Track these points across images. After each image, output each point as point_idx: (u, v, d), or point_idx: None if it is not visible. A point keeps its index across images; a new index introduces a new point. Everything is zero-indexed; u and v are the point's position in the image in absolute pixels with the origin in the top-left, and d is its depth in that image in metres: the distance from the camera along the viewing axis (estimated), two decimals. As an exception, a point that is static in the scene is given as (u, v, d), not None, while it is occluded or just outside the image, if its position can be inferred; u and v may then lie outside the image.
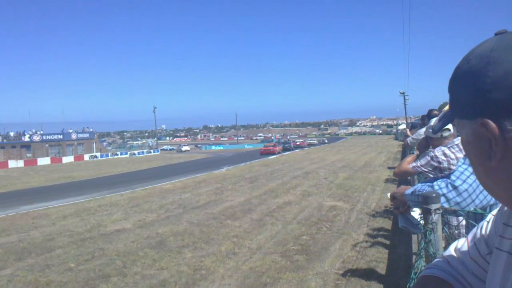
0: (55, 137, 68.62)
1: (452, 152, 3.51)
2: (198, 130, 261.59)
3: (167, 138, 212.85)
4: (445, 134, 3.67)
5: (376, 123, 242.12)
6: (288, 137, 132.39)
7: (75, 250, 9.27)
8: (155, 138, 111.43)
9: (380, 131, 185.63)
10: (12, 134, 67.82)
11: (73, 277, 7.27)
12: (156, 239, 9.93)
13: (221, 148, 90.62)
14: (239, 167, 32.75)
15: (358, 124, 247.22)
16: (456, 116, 0.74)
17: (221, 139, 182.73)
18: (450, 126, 3.63)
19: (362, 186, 17.77)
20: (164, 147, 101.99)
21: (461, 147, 3.60)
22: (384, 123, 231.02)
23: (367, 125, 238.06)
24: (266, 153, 53.06)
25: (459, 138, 3.56)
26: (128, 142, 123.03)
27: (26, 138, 65.60)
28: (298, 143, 79.99)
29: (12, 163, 53.93)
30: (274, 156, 46.00)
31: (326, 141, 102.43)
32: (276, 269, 7.34)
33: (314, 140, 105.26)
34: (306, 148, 68.03)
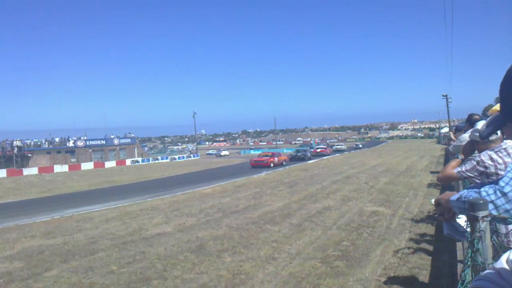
0: (98, 142, 70.44)
1: (499, 156, 3.38)
2: (237, 135, 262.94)
3: (207, 142, 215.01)
4: (492, 137, 3.54)
5: (417, 127, 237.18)
6: (328, 141, 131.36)
7: (117, 253, 9.44)
8: (195, 143, 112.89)
9: (422, 135, 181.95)
10: (57, 139, 69.94)
11: (115, 280, 7.40)
12: (196, 243, 10.00)
13: (260, 152, 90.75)
14: (278, 171, 32.70)
15: (399, 127, 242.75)
16: (509, 121, 0.70)
17: (260, 143, 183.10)
18: None
19: (404, 191, 17.43)
20: (210, 151, 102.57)
21: (510, 151, 3.46)
22: (426, 126, 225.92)
23: (408, 129, 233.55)
24: (259, 165, 40.36)
25: (507, 142, 3.39)
26: (168, 147, 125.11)
27: (71, 144, 67.63)
28: (318, 150, 62.15)
29: (57, 168, 55.61)
30: (313, 161, 45.52)
31: (360, 145, 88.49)
32: (316, 275, 7.26)
33: (341, 145, 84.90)
34: (328, 157, 53.41)
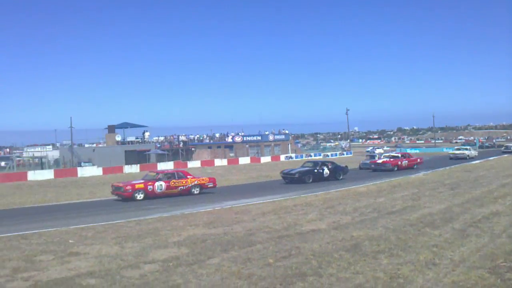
0: (254, 138, 73.45)
1: None
2: (391, 132, 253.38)
3: (360, 140, 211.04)
4: None
5: None
6: (494, 140, 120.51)
7: (273, 246, 9.69)
8: (348, 140, 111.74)
9: None
10: (217, 135, 74.49)
11: (271, 273, 7.59)
12: (350, 242, 9.86)
13: (417, 151, 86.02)
14: (437, 172, 30.90)
15: None
16: None
17: (417, 141, 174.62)
18: None
19: None
20: (369, 149, 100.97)
21: None
22: None
23: None
24: (118, 194, 20.70)
25: None
26: (321, 144, 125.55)
27: (229, 139, 71.57)
28: (380, 161, 35.68)
29: (217, 162, 59.13)
30: (477, 161, 41.91)
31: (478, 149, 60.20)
32: (484, 286, 6.64)
33: (465, 151, 48.87)
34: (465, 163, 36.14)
